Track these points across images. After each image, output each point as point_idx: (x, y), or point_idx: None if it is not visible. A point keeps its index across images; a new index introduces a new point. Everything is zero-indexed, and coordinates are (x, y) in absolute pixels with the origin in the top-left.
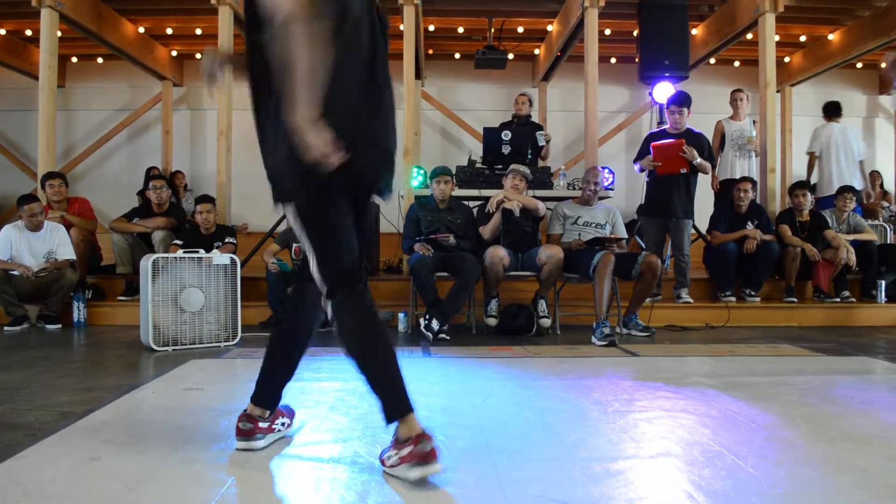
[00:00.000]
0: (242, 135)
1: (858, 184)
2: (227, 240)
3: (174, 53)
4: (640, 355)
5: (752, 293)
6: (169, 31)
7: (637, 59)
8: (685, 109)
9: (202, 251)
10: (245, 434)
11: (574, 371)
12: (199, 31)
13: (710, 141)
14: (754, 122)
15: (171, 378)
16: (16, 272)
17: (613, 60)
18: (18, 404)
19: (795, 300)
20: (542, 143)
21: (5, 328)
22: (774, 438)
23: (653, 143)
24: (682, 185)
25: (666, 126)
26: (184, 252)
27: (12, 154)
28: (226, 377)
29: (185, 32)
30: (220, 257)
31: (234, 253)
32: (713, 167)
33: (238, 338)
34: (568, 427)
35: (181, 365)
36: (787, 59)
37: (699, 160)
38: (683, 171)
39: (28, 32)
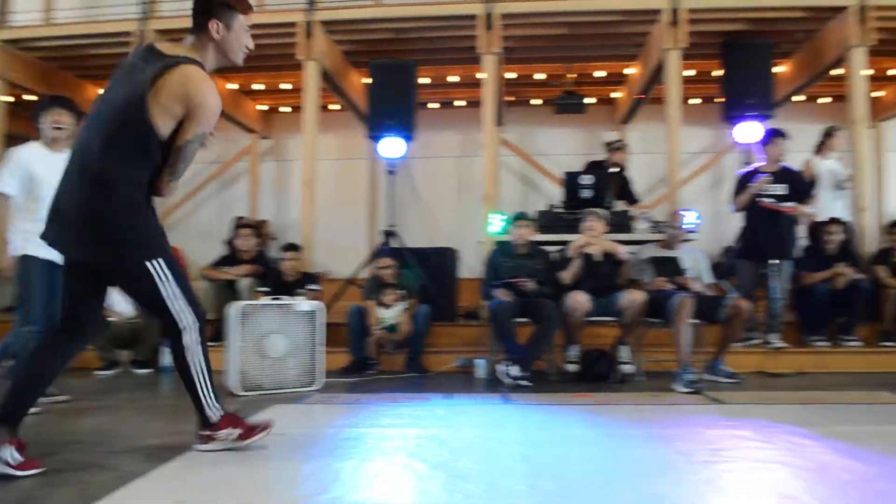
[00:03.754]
0: (327, 185)
1: None
2: (311, 286)
3: (262, 108)
4: (727, 402)
5: (849, 337)
6: (257, 87)
7: (720, 99)
8: (782, 141)
9: (286, 298)
10: None
11: (657, 419)
12: (285, 86)
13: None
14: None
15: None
16: (111, 318)
17: (699, 101)
18: (109, 446)
19: (893, 344)
20: None
21: (97, 373)
22: (872, 493)
23: None
24: (783, 225)
25: (757, 164)
26: (269, 299)
27: None
28: (307, 423)
29: (272, 87)
30: (304, 304)
31: (318, 300)
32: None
33: (319, 383)
34: (651, 478)
35: (264, 410)
36: (878, 94)
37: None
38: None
39: None
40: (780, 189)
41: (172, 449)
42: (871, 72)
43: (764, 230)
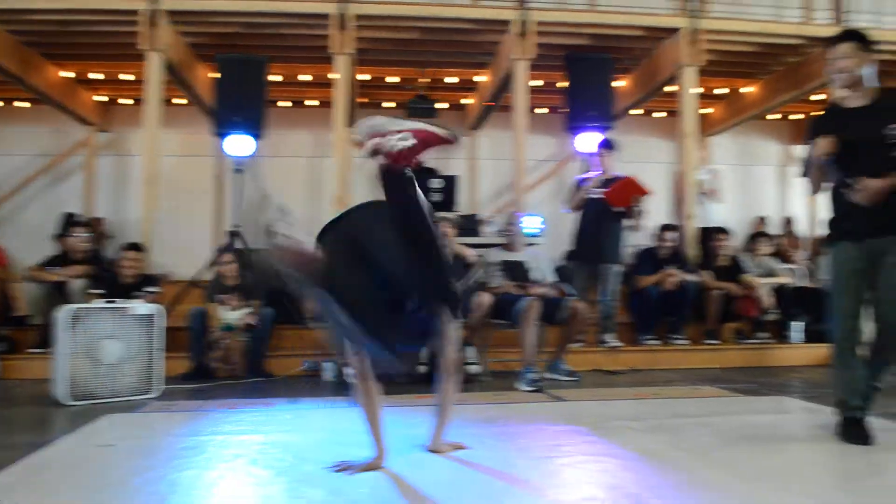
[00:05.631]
0: (170, 182)
1: None
2: (149, 289)
3: (100, 99)
4: (566, 400)
5: (678, 336)
6: (95, 76)
7: (563, 110)
8: (612, 152)
9: (122, 301)
10: None
11: (501, 417)
12: (126, 77)
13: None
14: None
15: (84, 434)
16: None
17: (541, 110)
18: None
19: (716, 342)
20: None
21: None
22: (696, 480)
23: (608, 189)
24: (611, 229)
25: (592, 173)
26: (103, 302)
27: None
28: (142, 432)
29: (112, 78)
30: (141, 307)
31: (157, 302)
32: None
33: (158, 390)
34: (494, 474)
35: (95, 420)
36: (707, 111)
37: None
38: (638, 199)
39: None
40: None
41: None
42: (701, 90)
43: (593, 234)
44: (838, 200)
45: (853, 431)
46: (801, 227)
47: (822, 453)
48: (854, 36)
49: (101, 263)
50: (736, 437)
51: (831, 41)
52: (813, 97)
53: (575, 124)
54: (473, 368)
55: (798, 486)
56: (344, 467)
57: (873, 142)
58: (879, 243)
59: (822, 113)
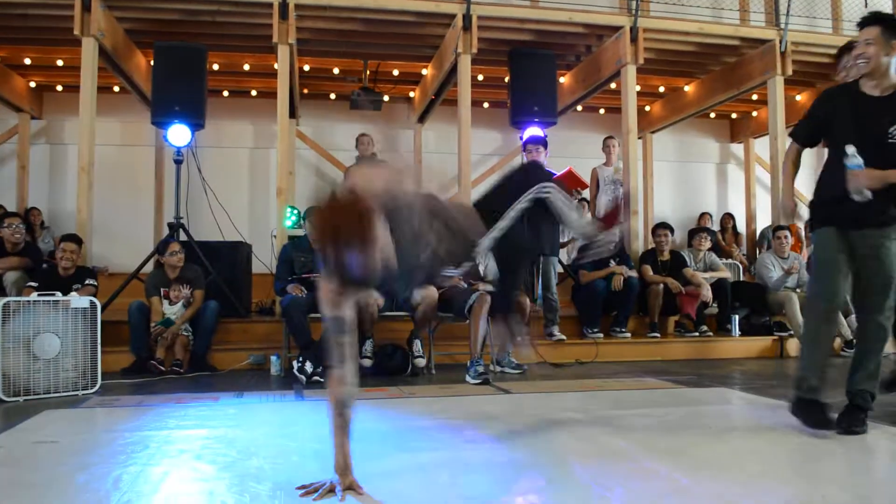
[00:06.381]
0: (107, 172)
1: None
2: (87, 282)
3: (32, 85)
4: (513, 392)
5: (621, 329)
6: (27, 61)
7: (508, 105)
8: (541, 148)
9: (59, 294)
10: None
11: (448, 411)
12: (60, 63)
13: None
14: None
15: (21, 431)
16: None
17: (486, 105)
18: None
19: (658, 335)
20: None
21: None
22: (638, 469)
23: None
24: (548, 223)
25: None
26: (38, 295)
27: None
28: (83, 428)
29: (45, 63)
30: (78, 300)
31: (94, 295)
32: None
33: (98, 385)
34: (441, 467)
35: (33, 416)
36: (647, 108)
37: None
38: (578, 192)
39: None
40: None
41: None
42: (639, 88)
43: (532, 228)
44: (826, 185)
45: (808, 411)
46: (740, 224)
47: (763, 442)
48: (882, 20)
49: (36, 255)
50: (679, 427)
51: (859, 24)
52: (753, 97)
53: (518, 119)
54: (420, 361)
55: (739, 474)
56: (310, 491)
57: (877, 135)
58: (861, 234)
59: (837, 88)
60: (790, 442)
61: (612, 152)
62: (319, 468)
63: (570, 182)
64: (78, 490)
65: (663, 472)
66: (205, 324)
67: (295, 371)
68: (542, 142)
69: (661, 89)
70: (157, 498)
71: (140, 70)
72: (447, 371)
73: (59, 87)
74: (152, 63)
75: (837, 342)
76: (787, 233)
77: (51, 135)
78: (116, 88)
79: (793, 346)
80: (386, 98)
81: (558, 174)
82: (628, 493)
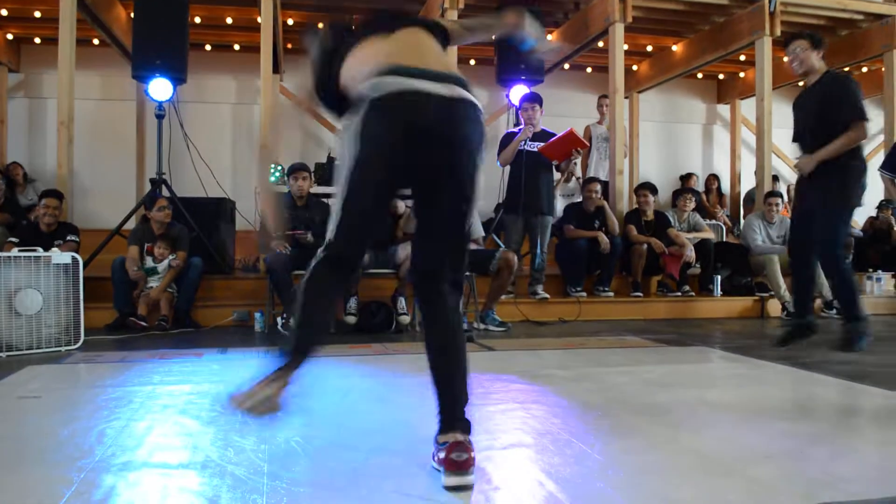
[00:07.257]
0: (88, 127)
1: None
2: (68, 237)
3: (10, 37)
4: (497, 350)
5: (604, 289)
6: (3, 12)
7: (495, 63)
8: (537, 106)
9: (41, 249)
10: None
11: None
12: (38, 14)
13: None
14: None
15: (5, 385)
16: None
17: (472, 62)
18: None
19: (641, 295)
20: None
21: None
22: (620, 426)
23: (547, 144)
24: (543, 182)
25: (521, 126)
26: (20, 250)
27: None
28: (67, 384)
29: (22, 15)
30: (60, 256)
31: (76, 251)
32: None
33: (81, 342)
34: (424, 422)
35: (16, 371)
36: (635, 68)
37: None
38: (578, 152)
39: None
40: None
41: None
42: (626, 47)
43: (525, 187)
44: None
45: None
46: (725, 185)
47: (742, 398)
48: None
49: (17, 211)
50: (660, 384)
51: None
52: (741, 58)
53: (506, 77)
54: (405, 318)
55: (715, 429)
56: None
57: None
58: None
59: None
60: (769, 397)
61: (606, 111)
62: (305, 421)
63: (571, 143)
64: (62, 444)
65: (644, 429)
66: (188, 281)
67: (279, 327)
68: (538, 100)
69: (649, 48)
70: (141, 452)
71: (120, 22)
72: None
73: (38, 40)
74: (132, 15)
75: (818, 303)
76: (779, 199)
77: (29, 89)
78: (96, 41)
79: (774, 306)
80: None
81: (558, 135)
82: (608, 448)
